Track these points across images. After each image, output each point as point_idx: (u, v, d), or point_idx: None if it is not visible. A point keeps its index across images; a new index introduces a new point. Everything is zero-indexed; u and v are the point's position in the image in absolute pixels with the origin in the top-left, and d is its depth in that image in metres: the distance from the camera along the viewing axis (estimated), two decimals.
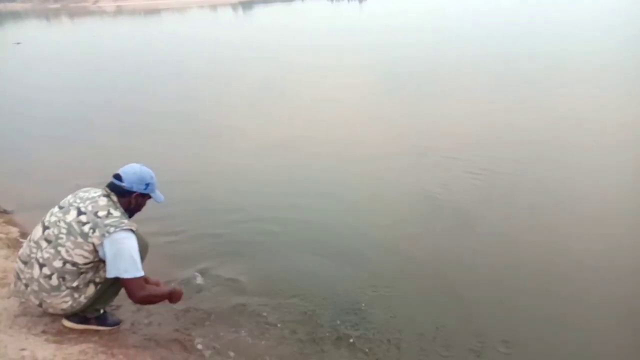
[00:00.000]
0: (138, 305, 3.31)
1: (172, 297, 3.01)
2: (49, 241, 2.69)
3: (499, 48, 14.42)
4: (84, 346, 2.77)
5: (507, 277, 3.84)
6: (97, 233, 2.63)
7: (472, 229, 4.55)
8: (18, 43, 22.83)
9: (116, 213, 2.73)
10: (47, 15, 44.78)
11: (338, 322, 3.35)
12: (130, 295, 2.73)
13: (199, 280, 3.82)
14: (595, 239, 4.31)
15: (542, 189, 5.24)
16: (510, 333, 3.23)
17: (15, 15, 43.70)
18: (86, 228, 2.64)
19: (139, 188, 2.87)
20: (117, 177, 2.85)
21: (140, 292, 2.71)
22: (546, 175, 5.53)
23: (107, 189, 2.83)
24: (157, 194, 3.01)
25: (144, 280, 2.81)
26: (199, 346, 3.11)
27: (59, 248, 2.65)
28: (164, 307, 3.38)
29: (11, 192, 5.69)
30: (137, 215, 2.99)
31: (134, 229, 2.75)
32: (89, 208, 2.70)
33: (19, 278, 2.79)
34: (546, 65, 11.67)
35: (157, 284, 3.11)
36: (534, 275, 3.83)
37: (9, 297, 3.09)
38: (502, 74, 11.18)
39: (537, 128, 7.22)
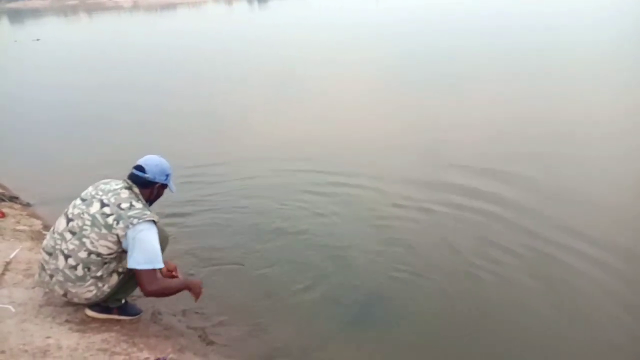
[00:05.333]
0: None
1: (190, 288, 3.01)
2: (73, 233, 2.75)
3: (516, 40, 14.22)
4: (106, 335, 2.84)
5: (531, 278, 3.72)
6: (121, 225, 2.69)
7: (490, 224, 4.48)
8: (37, 39, 23.14)
9: (138, 205, 2.78)
10: (66, 11, 45.29)
11: (356, 315, 3.38)
12: (141, 287, 2.74)
13: (218, 271, 3.87)
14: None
15: (563, 186, 5.14)
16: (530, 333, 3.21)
17: (35, 12, 44.25)
18: (110, 220, 2.70)
19: (160, 179, 2.93)
20: (139, 168, 2.90)
21: (151, 285, 2.71)
22: (565, 172, 5.46)
23: (128, 181, 2.88)
24: (171, 183, 3.07)
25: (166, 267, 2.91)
26: (219, 336, 3.16)
27: (84, 239, 2.71)
28: (184, 297, 3.44)
29: (33, 186, 5.80)
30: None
31: (155, 220, 2.80)
32: (112, 200, 2.75)
33: (43, 269, 2.84)
34: (564, 57, 11.49)
35: (175, 270, 3.16)
36: (560, 280, 3.67)
37: (33, 288, 3.17)
38: (521, 65, 11.04)
39: (556, 122, 7.14)
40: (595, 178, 5.31)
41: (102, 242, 2.70)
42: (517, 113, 7.60)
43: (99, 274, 2.78)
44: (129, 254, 2.71)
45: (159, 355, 2.72)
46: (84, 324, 2.91)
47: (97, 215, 2.72)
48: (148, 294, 2.77)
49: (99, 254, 2.73)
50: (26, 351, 2.57)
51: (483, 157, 5.92)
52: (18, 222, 4.59)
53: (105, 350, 2.69)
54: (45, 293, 3.04)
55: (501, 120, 7.32)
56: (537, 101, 8.14)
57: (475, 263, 3.88)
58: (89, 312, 2.97)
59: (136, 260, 2.67)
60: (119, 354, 2.69)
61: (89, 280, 2.77)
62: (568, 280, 3.64)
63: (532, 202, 4.76)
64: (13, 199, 5.35)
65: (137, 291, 3.13)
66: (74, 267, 2.74)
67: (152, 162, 2.93)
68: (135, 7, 47.51)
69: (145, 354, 2.73)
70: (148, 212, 2.78)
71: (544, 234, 4.21)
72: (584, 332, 3.18)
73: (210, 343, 3.09)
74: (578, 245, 3.99)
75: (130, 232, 2.68)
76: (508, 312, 3.40)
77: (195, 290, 3.00)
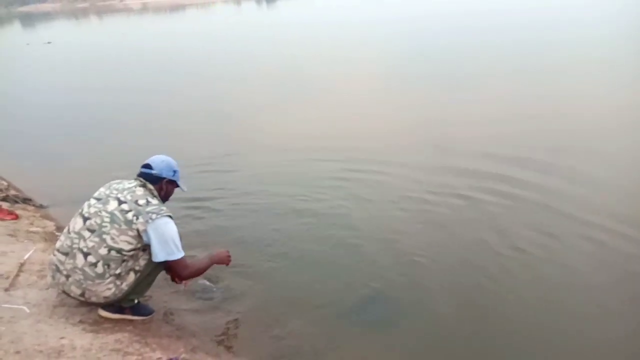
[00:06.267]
0: (170, 296, 3.42)
1: (219, 261, 3.21)
2: (92, 230, 2.78)
3: (522, 37, 14.12)
4: (119, 335, 2.85)
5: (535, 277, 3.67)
6: (141, 219, 2.76)
7: (496, 222, 4.44)
8: (49, 42, 23.38)
9: (154, 201, 2.88)
10: (76, 14, 45.69)
11: (370, 313, 3.37)
12: (177, 274, 3.00)
13: (229, 270, 3.88)
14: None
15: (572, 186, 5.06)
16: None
17: (46, 16, 44.71)
18: (129, 215, 2.77)
19: (167, 174, 3.06)
20: (147, 166, 3.03)
21: (185, 271, 2.97)
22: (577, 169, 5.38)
23: (140, 179, 2.97)
24: (182, 183, 3.20)
25: None
26: (231, 336, 3.18)
27: (104, 236, 2.75)
28: (196, 298, 3.47)
29: (46, 188, 5.86)
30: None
31: (171, 215, 2.89)
32: (129, 197, 2.83)
33: (58, 270, 2.84)
34: (572, 54, 11.40)
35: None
36: (570, 283, 3.61)
37: (47, 289, 3.19)
38: (530, 62, 10.96)
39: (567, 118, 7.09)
40: (612, 168, 5.31)
41: (123, 237, 2.76)
42: (535, 108, 7.58)
43: (117, 271, 2.81)
44: (153, 248, 2.79)
45: (171, 356, 2.74)
46: (97, 325, 2.93)
47: (116, 212, 2.78)
48: (183, 278, 3.07)
49: (119, 250, 2.76)
50: (41, 351, 2.60)
51: (497, 150, 5.96)
52: (31, 224, 4.64)
53: (118, 351, 2.70)
54: (59, 294, 3.06)
55: (515, 116, 7.31)
56: (554, 97, 8.14)
57: (494, 257, 3.86)
58: (102, 313, 2.99)
59: (165, 253, 2.82)
60: (131, 354, 2.70)
61: (108, 278, 2.79)
62: (585, 277, 3.61)
63: (539, 196, 4.74)
64: (26, 200, 5.40)
65: (149, 292, 3.17)
66: (94, 265, 2.76)
67: (158, 159, 3.09)
68: (144, 8, 47.83)
69: (157, 354, 2.74)
70: (164, 208, 2.88)
71: (555, 227, 4.19)
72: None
73: (222, 343, 3.10)
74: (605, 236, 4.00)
75: (150, 227, 2.77)
76: (524, 309, 3.36)
77: (223, 262, 3.27)
